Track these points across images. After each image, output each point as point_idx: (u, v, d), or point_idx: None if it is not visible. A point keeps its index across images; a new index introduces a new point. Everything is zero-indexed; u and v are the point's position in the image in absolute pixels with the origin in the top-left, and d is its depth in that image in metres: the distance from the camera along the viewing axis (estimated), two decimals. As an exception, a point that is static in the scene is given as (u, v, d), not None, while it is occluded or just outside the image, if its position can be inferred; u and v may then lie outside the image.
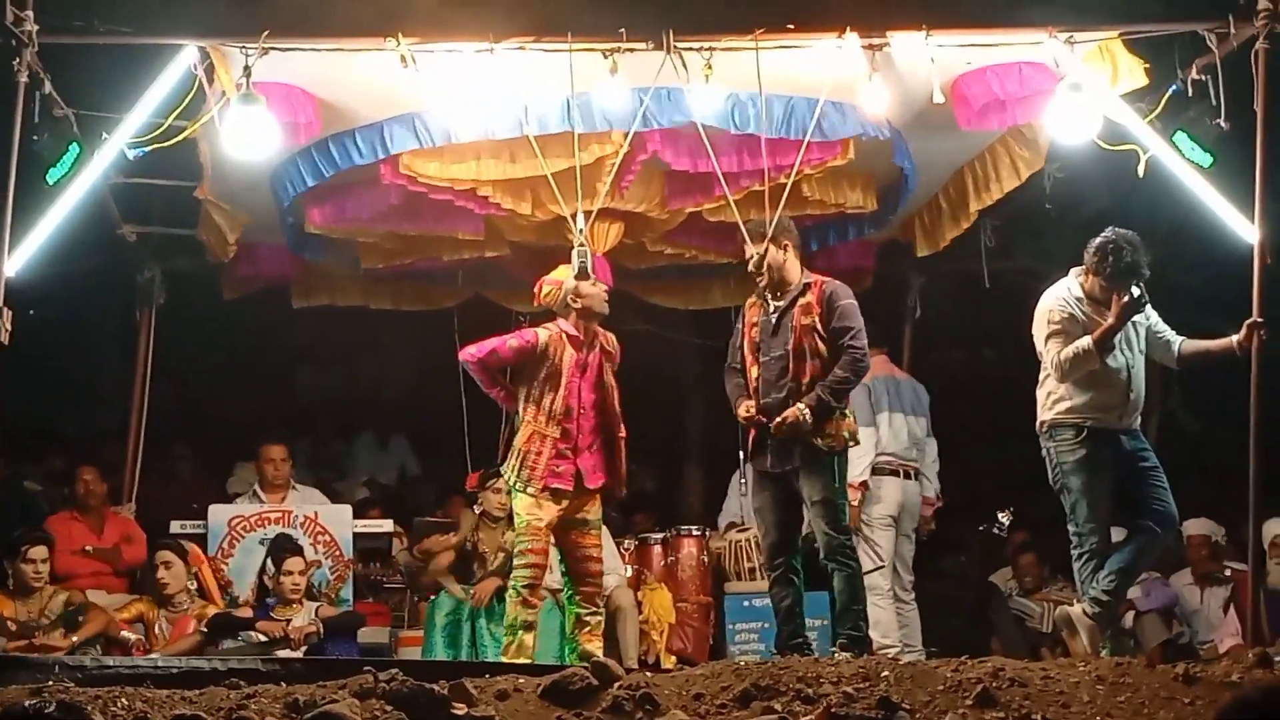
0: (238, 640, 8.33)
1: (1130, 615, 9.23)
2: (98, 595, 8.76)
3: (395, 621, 9.30)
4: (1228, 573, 9.60)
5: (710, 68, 7.16)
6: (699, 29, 7.19)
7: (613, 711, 5.04)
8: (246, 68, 6.91)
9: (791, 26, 7.20)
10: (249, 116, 6.99)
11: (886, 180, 8.83)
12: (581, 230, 7.40)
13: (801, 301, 6.97)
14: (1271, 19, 6.92)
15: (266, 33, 6.90)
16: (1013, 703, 5.12)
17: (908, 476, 8.78)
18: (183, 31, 7.00)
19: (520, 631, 7.04)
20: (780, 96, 7.58)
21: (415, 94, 7.37)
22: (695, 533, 9.37)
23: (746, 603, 9.10)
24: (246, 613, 8.59)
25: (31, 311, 7.19)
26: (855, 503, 8.17)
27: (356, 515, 9.72)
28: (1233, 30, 7.10)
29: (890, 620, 8.43)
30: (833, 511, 6.87)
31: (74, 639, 7.92)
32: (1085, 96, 7.20)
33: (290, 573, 8.57)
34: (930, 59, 7.22)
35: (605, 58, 7.13)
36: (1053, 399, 6.97)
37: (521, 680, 5.39)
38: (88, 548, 9.08)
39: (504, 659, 6.93)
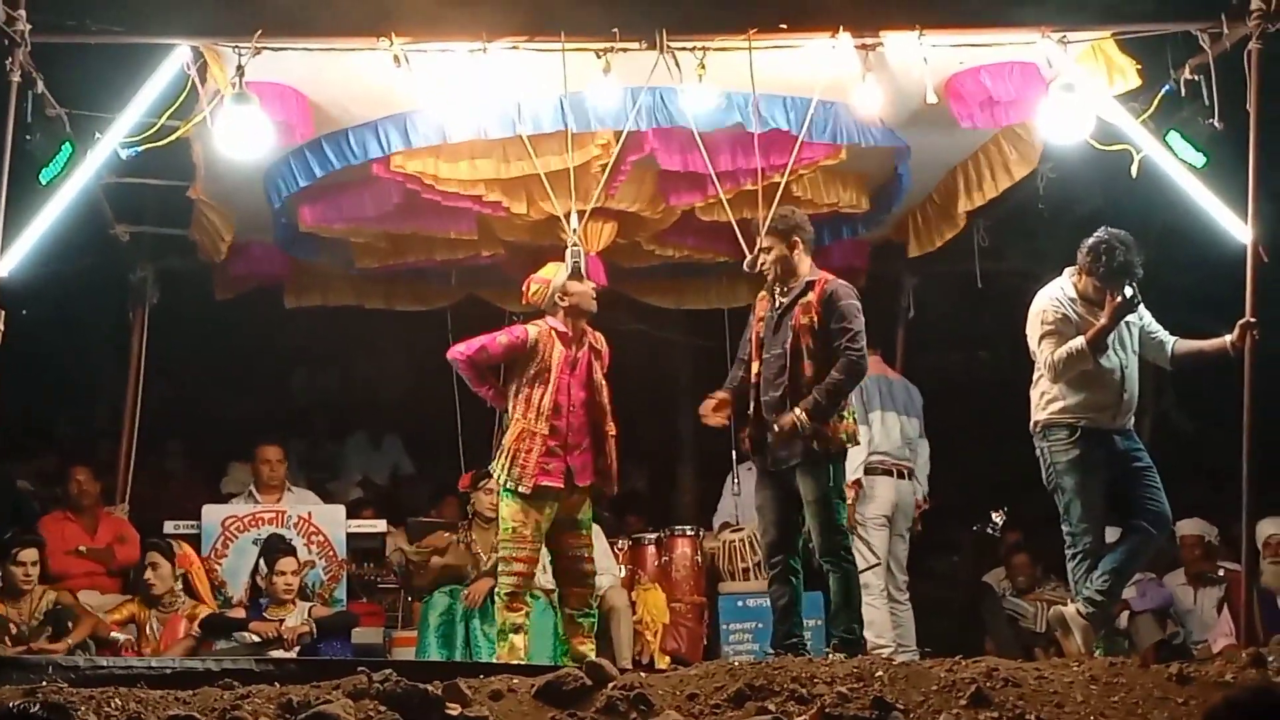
0: (231, 641, 8.33)
1: (1125, 615, 9.24)
2: (91, 596, 8.76)
3: (389, 622, 9.31)
4: (1221, 573, 9.59)
5: (703, 67, 7.16)
6: (692, 29, 7.19)
7: (607, 712, 5.04)
8: (239, 67, 6.91)
9: (784, 26, 7.21)
10: (242, 116, 6.98)
11: (879, 180, 8.84)
12: (575, 230, 7.41)
13: (803, 300, 6.96)
14: (1264, 19, 6.93)
15: (259, 32, 6.90)
16: (1006, 703, 5.11)
17: (901, 476, 8.76)
18: (176, 31, 6.99)
19: (510, 635, 7.04)
20: (773, 96, 7.58)
21: (408, 93, 7.37)
22: (689, 533, 9.37)
23: (740, 603, 9.10)
24: (240, 613, 8.60)
25: (24, 311, 7.19)
26: (850, 502, 8.17)
27: (350, 515, 9.71)
28: (1225, 30, 7.11)
29: (884, 620, 8.42)
30: (829, 512, 6.86)
31: (68, 642, 7.90)
32: (1078, 96, 7.21)
33: (283, 573, 8.56)
34: (923, 59, 7.22)
35: (598, 57, 7.13)
36: (1046, 399, 6.98)
37: (515, 680, 5.38)
38: (81, 548, 9.08)
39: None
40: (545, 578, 7.81)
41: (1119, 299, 6.72)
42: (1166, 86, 7.42)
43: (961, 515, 11.03)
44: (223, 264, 9.49)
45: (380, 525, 9.82)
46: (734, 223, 7.66)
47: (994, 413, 9.40)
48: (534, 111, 7.56)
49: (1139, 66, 7.27)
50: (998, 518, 11.20)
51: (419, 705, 4.91)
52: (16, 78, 6.79)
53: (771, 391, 6.98)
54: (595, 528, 8.89)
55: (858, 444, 7.23)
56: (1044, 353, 6.92)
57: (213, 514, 9.37)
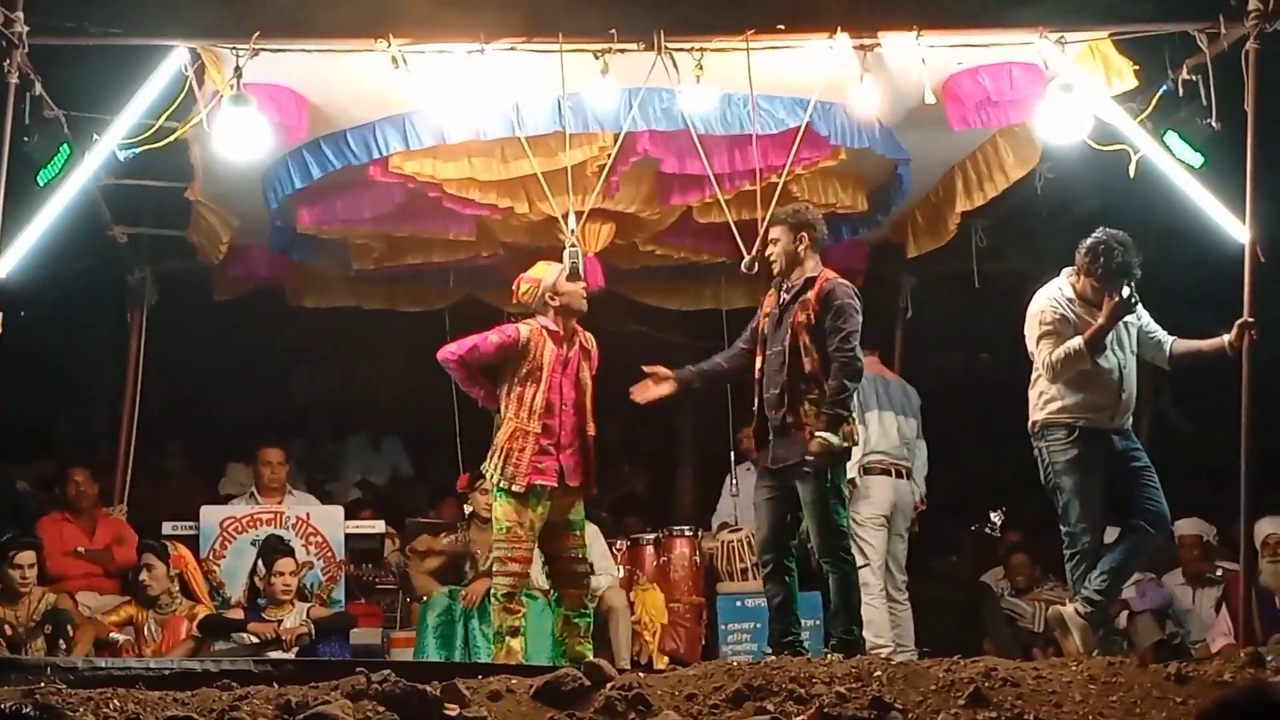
0: (229, 641, 8.33)
1: (1124, 615, 9.25)
2: (89, 597, 8.76)
3: (387, 622, 9.30)
4: (1219, 572, 9.59)
5: (701, 68, 7.16)
6: (689, 29, 7.19)
7: (605, 712, 5.04)
8: (237, 69, 6.91)
9: (782, 27, 7.21)
10: (240, 118, 6.98)
11: (877, 180, 8.85)
12: (573, 230, 7.41)
13: (803, 298, 6.96)
14: (1262, 19, 6.94)
15: (257, 34, 6.90)
16: (1005, 703, 5.12)
17: (899, 475, 8.75)
18: (173, 32, 6.99)
19: (507, 638, 7.03)
20: (771, 97, 7.58)
21: (406, 95, 7.37)
22: (687, 533, 9.37)
23: (739, 603, 9.10)
24: (238, 614, 8.59)
25: (22, 313, 7.17)
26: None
27: (348, 516, 9.71)
28: (1223, 30, 7.12)
29: (883, 620, 8.42)
30: (827, 512, 6.85)
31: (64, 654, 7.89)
32: (1076, 97, 7.21)
33: (281, 573, 8.57)
34: (921, 59, 7.22)
35: (596, 58, 7.13)
36: (1044, 399, 6.98)
37: (514, 681, 5.38)
38: (79, 549, 9.08)
39: (495, 667, 6.93)
40: (542, 578, 7.80)
41: (1116, 299, 6.72)
42: (1164, 87, 7.42)
43: (960, 515, 11.03)
44: (221, 265, 9.49)
45: (379, 526, 9.82)
46: (732, 224, 7.65)
47: (992, 413, 9.40)
48: (532, 112, 7.56)
49: (1137, 67, 7.27)
50: (996, 518, 11.19)
51: (417, 706, 4.91)
52: (14, 79, 6.80)
53: (771, 389, 6.99)
54: (594, 528, 8.92)
55: (856, 444, 7.23)
56: (1042, 353, 6.92)
57: (211, 515, 9.37)
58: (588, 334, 7.33)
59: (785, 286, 7.08)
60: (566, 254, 7.24)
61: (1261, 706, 3.16)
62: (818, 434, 6.74)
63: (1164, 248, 8.68)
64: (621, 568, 9.24)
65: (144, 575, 8.56)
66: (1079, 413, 6.89)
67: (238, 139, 7.11)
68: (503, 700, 5.19)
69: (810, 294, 6.94)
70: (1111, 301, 6.73)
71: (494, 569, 7.16)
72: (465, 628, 8.41)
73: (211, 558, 9.18)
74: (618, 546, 9.33)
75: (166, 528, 9.28)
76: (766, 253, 7.16)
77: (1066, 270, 7.03)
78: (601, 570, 8.92)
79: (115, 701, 4.93)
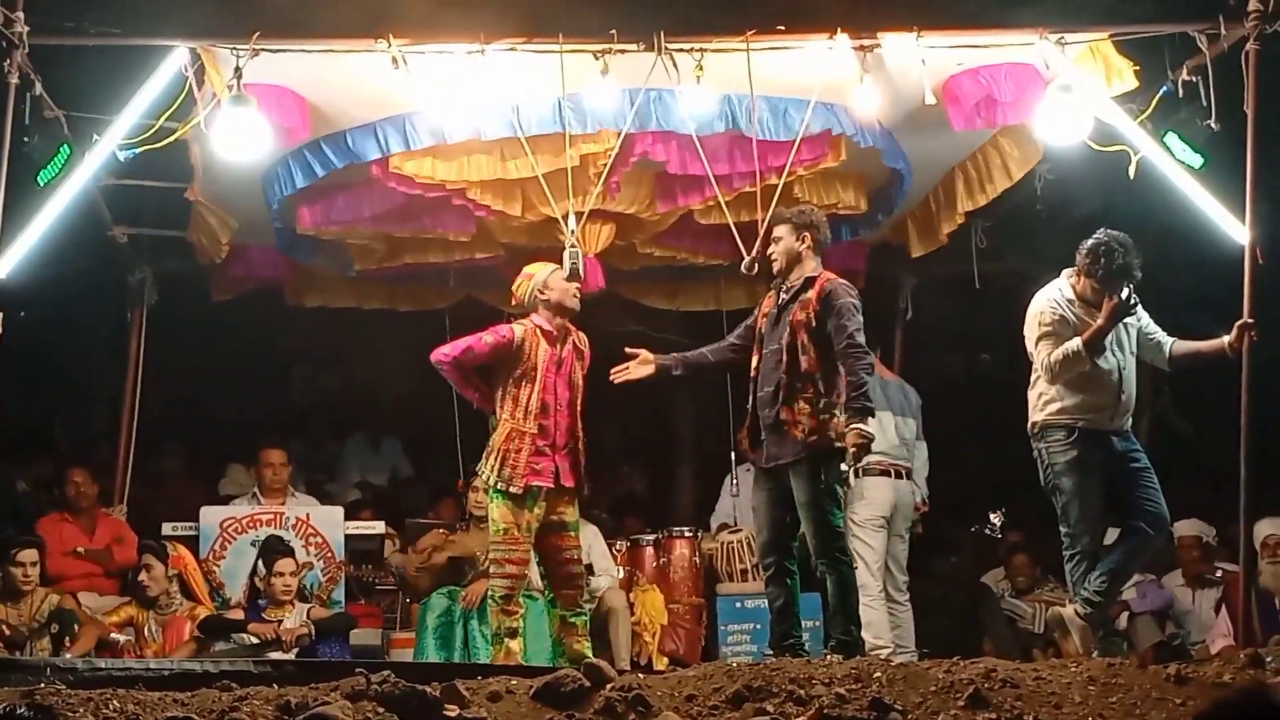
0: (230, 642, 8.33)
1: (1124, 616, 9.24)
2: (89, 597, 8.76)
3: (387, 623, 9.30)
4: (1219, 574, 9.59)
5: (701, 69, 7.17)
6: (690, 30, 7.19)
7: (605, 713, 5.03)
8: (237, 69, 6.92)
9: (782, 28, 7.21)
10: (240, 118, 6.99)
11: (878, 181, 8.84)
12: (573, 231, 7.41)
13: (803, 297, 6.96)
14: (1262, 20, 6.94)
15: (257, 34, 6.91)
16: (1005, 704, 5.12)
17: (898, 476, 8.73)
18: (173, 33, 6.99)
19: (505, 639, 7.03)
20: (771, 98, 7.58)
21: (406, 95, 7.37)
22: (687, 534, 9.38)
23: (738, 604, 9.11)
24: (238, 614, 8.59)
25: (23, 313, 7.18)
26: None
27: (348, 517, 9.70)
28: (1223, 31, 7.12)
29: (882, 621, 8.41)
30: (821, 513, 6.84)
31: (67, 655, 7.88)
32: (1076, 98, 7.21)
33: (281, 574, 8.57)
34: (921, 60, 7.23)
35: (596, 59, 7.14)
36: (1044, 400, 6.98)
37: (514, 682, 5.38)
38: (79, 549, 9.08)
39: (493, 669, 6.93)
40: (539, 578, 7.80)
41: (1116, 300, 6.72)
42: (1164, 88, 7.43)
43: (960, 516, 11.03)
44: (221, 265, 9.50)
45: (378, 527, 9.81)
46: (732, 225, 7.65)
47: (992, 413, 9.40)
48: (532, 113, 7.56)
49: (1137, 68, 7.28)
50: (996, 519, 11.21)
51: (417, 707, 4.91)
52: (14, 79, 6.81)
53: (766, 386, 6.98)
54: (594, 529, 8.94)
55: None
56: (1041, 354, 6.92)
57: (211, 515, 9.37)
58: (581, 334, 7.33)
59: (785, 287, 7.08)
60: (566, 255, 7.25)
61: (1258, 708, 3.17)
62: (853, 425, 6.71)
63: (1164, 249, 8.67)
64: (621, 569, 9.24)
65: (143, 575, 8.58)
66: (1078, 414, 6.88)
67: (237, 139, 7.12)
68: (502, 701, 5.19)
69: (810, 293, 6.94)
70: (1111, 303, 6.73)
71: (491, 571, 7.16)
72: (465, 628, 8.42)
73: (211, 558, 9.17)
74: (617, 547, 9.33)
75: (166, 528, 9.28)
76: (768, 252, 7.15)
77: (1066, 271, 7.03)
78: (601, 571, 8.93)
79: (115, 702, 4.93)
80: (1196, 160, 7.44)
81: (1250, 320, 6.82)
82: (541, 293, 7.16)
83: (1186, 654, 8.58)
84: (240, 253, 9.52)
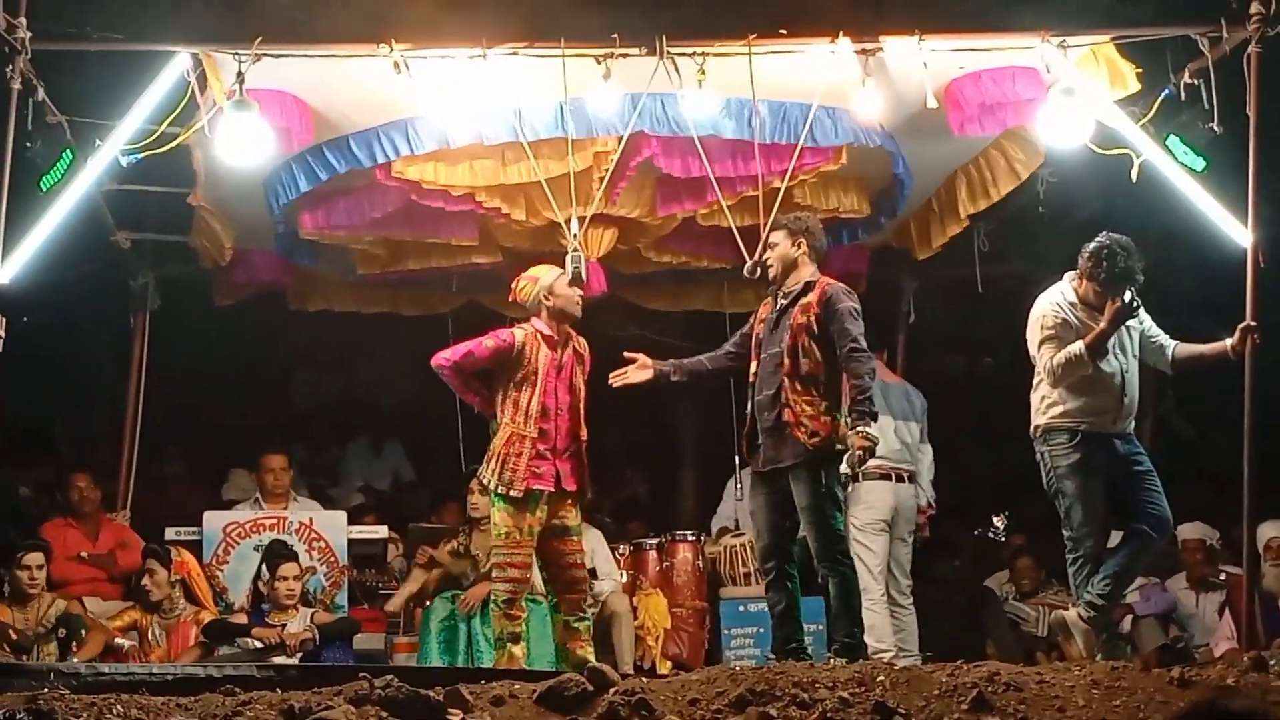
0: (233, 646, 8.33)
1: (1128, 620, 9.24)
2: (93, 602, 8.76)
3: (390, 628, 9.29)
4: (1222, 576, 9.58)
5: (703, 73, 7.17)
6: (691, 34, 7.19)
7: (608, 717, 5.03)
8: (239, 74, 6.92)
9: (784, 31, 7.21)
10: (242, 123, 7.00)
11: (879, 185, 8.84)
12: (575, 235, 7.41)
13: (802, 301, 6.96)
14: (1263, 23, 6.94)
15: (259, 39, 6.91)
16: (1008, 707, 5.11)
17: (900, 480, 8.71)
18: (176, 38, 7.00)
19: (508, 644, 7.02)
20: (773, 102, 7.58)
21: (408, 100, 7.38)
22: (690, 538, 9.38)
23: (742, 608, 9.10)
24: (242, 619, 8.59)
25: (26, 318, 7.19)
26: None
27: (351, 521, 9.71)
28: (1225, 34, 7.12)
29: (885, 624, 8.40)
30: (822, 516, 6.82)
31: (74, 660, 7.88)
32: (1078, 101, 7.21)
33: (285, 578, 8.57)
34: (923, 64, 7.23)
35: (598, 63, 7.14)
36: (1046, 403, 6.97)
37: (517, 686, 5.38)
38: (83, 554, 9.08)
39: (497, 674, 6.92)
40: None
41: (1119, 304, 6.72)
42: (1166, 91, 7.42)
43: (963, 519, 11.02)
44: (223, 270, 9.51)
45: (381, 531, 9.83)
46: (734, 229, 7.65)
47: (995, 417, 9.38)
48: (534, 117, 7.56)
49: (1139, 71, 7.28)
50: (999, 522, 11.21)
51: (421, 711, 4.92)
52: (17, 85, 6.81)
53: (765, 390, 6.98)
54: (597, 533, 8.93)
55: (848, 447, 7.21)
56: (1044, 357, 6.92)
57: (214, 520, 9.37)
58: (581, 338, 7.32)
59: (782, 292, 7.08)
60: (569, 259, 7.25)
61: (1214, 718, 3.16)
62: (857, 429, 6.72)
63: (1166, 252, 8.67)
64: (624, 573, 9.23)
65: (146, 580, 8.59)
66: (1081, 417, 6.88)
67: (240, 144, 7.13)
68: (506, 705, 5.19)
69: (811, 297, 6.94)
70: (1114, 306, 6.73)
71: (493, 575, 7.15)
72: (468, 633, 8.41)
73: (215, 563, 9.18)
74: (620, 551, 9.32)
75: (169, 533, 9.29)
76: (764, 258, 7.16)
77: (1069, 274, 7.03)
78: (604, 575, 8.93)
79: (119, 707, 4.93)
80: (1198, 163, 7.44)
81: (1253, 323, 6.81)
82: (546, 298, 7.15)
83: (1190, 657, 8.58)
84: (242, 257, 9.53)
